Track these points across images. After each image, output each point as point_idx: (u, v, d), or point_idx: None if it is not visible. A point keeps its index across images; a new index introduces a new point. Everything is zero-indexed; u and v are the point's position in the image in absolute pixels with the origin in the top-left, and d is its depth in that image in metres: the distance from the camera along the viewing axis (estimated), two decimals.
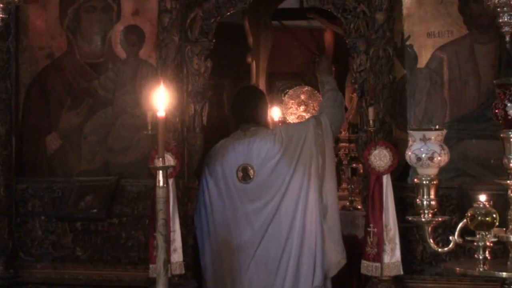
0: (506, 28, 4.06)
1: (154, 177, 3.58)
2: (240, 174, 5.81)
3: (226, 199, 5.84)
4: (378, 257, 5.36)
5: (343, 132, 8.00)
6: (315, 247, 5.71)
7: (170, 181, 5.35)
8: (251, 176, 5.79)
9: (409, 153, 3.81)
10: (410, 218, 3.92)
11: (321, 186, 5.76)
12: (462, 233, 3.85)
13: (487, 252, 3.80)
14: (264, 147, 5.82)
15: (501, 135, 3.91)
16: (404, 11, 5.66)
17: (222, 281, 5.83)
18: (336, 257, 5.77)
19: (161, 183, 3.52)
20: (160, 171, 3.51)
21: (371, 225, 5.39)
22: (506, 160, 3.89)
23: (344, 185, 7.78)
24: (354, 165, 7.96)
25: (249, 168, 5.80)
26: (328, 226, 5.76)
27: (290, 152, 5.79)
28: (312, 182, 5.73)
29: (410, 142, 3.85)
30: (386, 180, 5.38)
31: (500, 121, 3.90)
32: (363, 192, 5.65)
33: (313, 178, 5.74)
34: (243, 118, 5.98)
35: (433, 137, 3.77)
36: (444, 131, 3.83)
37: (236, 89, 6.64)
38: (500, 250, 4.01)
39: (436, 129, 3.82)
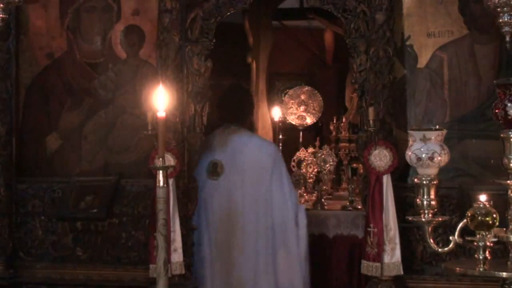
0: (506, 28, 4.06)
1: (154, 177, 3.58)
2: (210, 169, 5.81)
3: (201, 194, 5.83)
4: (378, 257, 5.36)
5: (343, 132, 8.00)
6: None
7: (170, 181, 5.35)
8: (219, 173, 5.78)
9: (409, 153, 3.81)
10: (410, 218, 3.92)
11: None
12: (462, 233, 3.84)
13: (487, 252, 3.80)
14: (238, 145, 5.81)
15: (501, 135, 3.91)
16: (404, 11, 5.66)
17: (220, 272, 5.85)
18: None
19: (161, 183, 3.51)
20: (160, 171, 3.51)
21: (371, 225, 5.39)
22: (506, 160, 3.89)
23: (344, 185, 7.77)
24: (354, 165, 7.94)
25: (220, 164, 5.79)
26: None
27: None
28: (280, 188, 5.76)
29: (410, 142, 3.85)
30: (386, 180, 5.38)
31: (500, 121, 3.90)
32: (363, 192, 5.66)
33: (286, 186, 5.77)
34: (227, 117, 5.96)
35: (433, 137, 3.77)
36: (444, 131, 3.83)
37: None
38: (500, 250, 4.01)
39: (436, 129, 3.82)
